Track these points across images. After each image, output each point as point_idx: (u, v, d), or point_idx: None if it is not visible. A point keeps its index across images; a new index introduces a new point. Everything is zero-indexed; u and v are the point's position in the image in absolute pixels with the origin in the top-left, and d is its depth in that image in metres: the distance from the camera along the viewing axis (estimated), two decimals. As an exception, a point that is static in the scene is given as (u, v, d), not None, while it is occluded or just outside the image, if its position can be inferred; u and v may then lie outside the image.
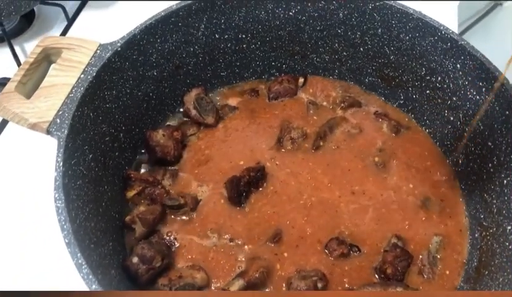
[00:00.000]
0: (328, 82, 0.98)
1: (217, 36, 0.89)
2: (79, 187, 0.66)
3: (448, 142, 0.87)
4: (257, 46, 0.93)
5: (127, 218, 0.77)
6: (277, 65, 0.98)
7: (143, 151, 0.87)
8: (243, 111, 0.93)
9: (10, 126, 0.99)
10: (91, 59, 0.72)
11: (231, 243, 0.77)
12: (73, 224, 0.59)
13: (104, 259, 0.66)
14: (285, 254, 0.76)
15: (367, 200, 0.82)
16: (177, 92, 0.91)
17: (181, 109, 0.93)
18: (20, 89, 0.70)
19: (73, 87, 0.69)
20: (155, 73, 0.85)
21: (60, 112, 0.67)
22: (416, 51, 0.84)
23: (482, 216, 0.77)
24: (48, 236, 0.83)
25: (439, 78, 0.84)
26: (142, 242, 0.73)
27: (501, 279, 0.66)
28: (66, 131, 0.66)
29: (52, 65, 0.73)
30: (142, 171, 0.86)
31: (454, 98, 0.83)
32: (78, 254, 0.57)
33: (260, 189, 0.83)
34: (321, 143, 0.88)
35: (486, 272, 0.71)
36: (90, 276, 0.56)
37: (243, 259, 0.75)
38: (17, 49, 1.11)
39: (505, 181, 0.73)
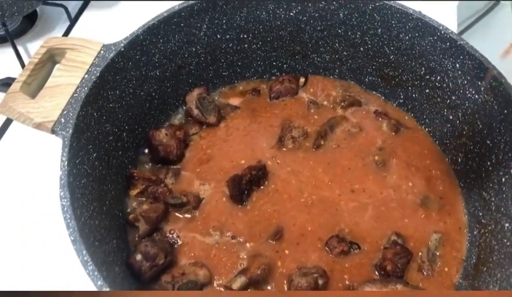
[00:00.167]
0: (329, 82, 0.98)
1: (219, 37, 0.90)
2: (83, 185, 0.67)
3: (447, 141, 0.88)
4: (258, 46, 0.94)
5: (131, 216, 0.78)
6: (278, 65, 0.99)
7: (145, 150, 0.88)
8: (245, 110, 0.94)
9: (13, 126, 1.00)
10: (94, 59, 0.73)
11: (233, 241, 0.78)
12: (78, 222, 0.60)
13: (109, 256, 0.67)
14: (287, 251, 0.77)
15: (367, 198, 0.83)
16: (179, 92, 0.92)
17: (183, 108, 0.93)
18: (25, 89, 0.71)
19: (77, 87, 0.70)
20: (158, 73, 0.86)
21: (65, 112, 0.68)
22: (415, 51, 0.85)
23: (481, 214, 0.78)
24: (49, 235, 0.84)
25: (438, 78, 0.85)
26: (145, 240, 0.74)
27: (499, 275, 0.67)
28: (71, 130, 0.66)
29: (57, 66, 0.74)
30: (145, 170, 0.87)
31: (453, 97, 0.84)
32: (84, 251, 0.58)
33: (262, 187, 0.83)
34: (322, 142, 0.89)
35: (485, 269, 0.72)
36: (96, 273, 0.57)
37: (245, 256, 0.76)
38: (20, 49, 1.12)
39: (503, 179, 0.73)
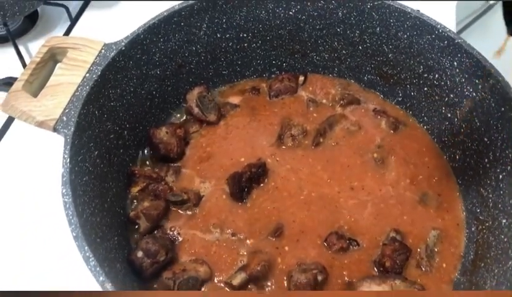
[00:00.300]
0: (328, 80, 0.99)
1: (218, 36, 0.91)
2: (85, 183, 0.68)
3: (445, 138, 0.88)
4: (258, 45, 0.95)
5: (132, 214, 0.79)
6: (277, 64, 0.99)
7: (146, 148, 0.89)
8: (245, 108, 0.95)
9: (14, 125, 1.01)
10: (96, 58, 0.74)
11: (233, 237, 0.78)
12: (80, 219, 0.61)
13: (110, 253, 0.68)
14: (286, 248, 0.77)
15: (366, 195, 0.83)
16: (179, 90, 0.93)
17: (184, 107, 0.94)
18: (27, 88, 0.71)
19: (78, 86, 0.71)
20: (158, 72, 0.87)
21: (67, 110, 0.69)
22: (414, 49, 0.86)
23: (478, 211, 0.79)
24: (49, 235, 0.85)
25: (436, 76, 0.85)
26: (146, 237, 0.74)
27: (496, 270, 0.68)
28: (73, 128, 0.67)
29: (58, 65, 0.75)
30: (146, 167, 0.87)
31: (451, 95, 0.84)
32: (86, 247, 0.58)
33: (261, 184, 0.84)
34: (321, 140, 0.90)
35: (482, 264, 0.72)
36: (97, 269, 0.57)
37: (245, 253, 0.77)
38: (21, 48, 1.13)
39: (500, 176, 0.74)
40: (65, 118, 0.68)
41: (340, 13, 0.89)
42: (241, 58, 0.96)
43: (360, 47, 0.93)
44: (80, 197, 0.65)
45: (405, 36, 0.85)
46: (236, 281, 0.72)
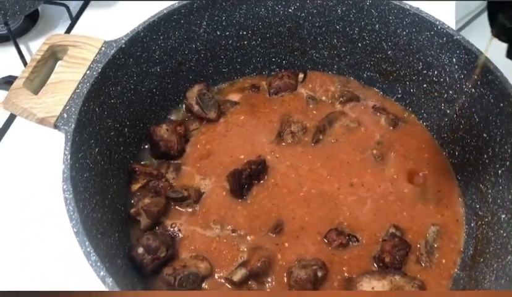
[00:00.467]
0: (327, 77, 0.99)
1: (218, 33, 0.91)
2: (86, 179, 0.68)
3: (445, 135, 0.89)
4: (258, 42, 0.95)
5: (132, 210, 0.79)
6: (277, 61, 0.99)
7: (147, 145, 0.89)
8: (244, 106, 0.95)
9: (16, 123, 1.01)
10: (96, 56, 0.74)
11: (233, 234, 0.79)
12: (81, 215, 0.61)
13: (111, 249, 0.68)
14: (286, 244, 0.78)
15: (365, 191, 0.84)
16: (179, 88, 0.93)
17: (184, 104, 0.94)
18: (28, 85, 0.72)
19: (79, 83, 0.71)
20: (158, 70, 0.87)
21: (67, 107, 0.69)
22: (413, 46, 0.86)
23: (478, 206, 0.79)
24: (50, 235, 0.85)
25: (435, 72, 0.86)
26: (147, 233, 0.75)
27: (495, 265, 0.68)
28: (73, 125, 0.68)
29: (59, 62, 0.76)
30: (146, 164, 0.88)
31: (451, 92, 0.84)
32: (87, 243, 0.59)
33: (261, 181, 0.84)
34: (321, 137, 0.90)
35: (482, 259, 0.73)
36: (98, 264, 0.57)
37: (245, 249, 0.77)
38: (22, 47, 1.13)
39: (499, 171, 0.74)
40: (65, 115, 0.69)
41: (339, 11, 0.89)
42: (241, 56, 0.97)
43: (359, 45, 0.93)
44: (80, 193, 0.65)
45: (405, 33, 0.86)
46: (236, 277, 0.73)
